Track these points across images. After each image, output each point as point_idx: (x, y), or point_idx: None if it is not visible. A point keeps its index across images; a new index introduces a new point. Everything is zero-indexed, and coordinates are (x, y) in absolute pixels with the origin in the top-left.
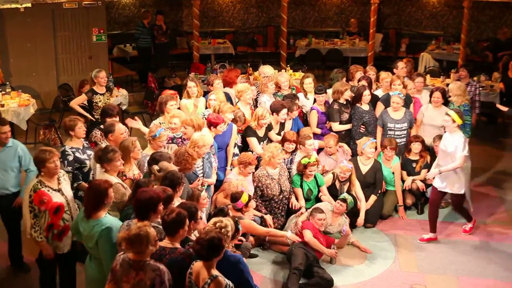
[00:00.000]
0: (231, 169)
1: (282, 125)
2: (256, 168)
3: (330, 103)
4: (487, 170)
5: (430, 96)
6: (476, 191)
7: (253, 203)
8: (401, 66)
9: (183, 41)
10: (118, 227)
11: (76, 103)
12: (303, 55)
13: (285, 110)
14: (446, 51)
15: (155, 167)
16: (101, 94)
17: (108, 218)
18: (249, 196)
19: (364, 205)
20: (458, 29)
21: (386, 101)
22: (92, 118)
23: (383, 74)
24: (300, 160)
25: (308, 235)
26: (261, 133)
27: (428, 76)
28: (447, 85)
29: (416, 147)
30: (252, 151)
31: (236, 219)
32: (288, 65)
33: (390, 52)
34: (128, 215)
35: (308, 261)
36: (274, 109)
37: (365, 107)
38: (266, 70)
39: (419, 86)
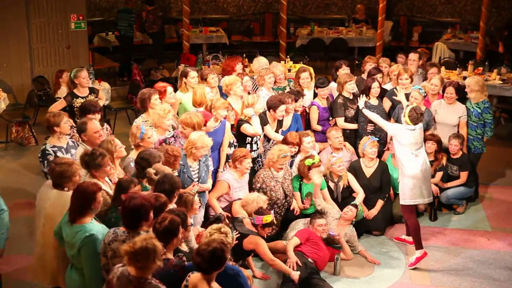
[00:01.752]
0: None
1: (279, 123)
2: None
3: (334, 97)
4: (506, 173)
5: (443, 91)
6: (495, 196)
7: (268, 230)
8: (413, 58)
9: (171, 30)
10: (104, 235)
11: (54, 109)
12: (305, 45)
13: (283, 107)
14: (463, 40)
15: (151, 170)
16: (82, 98)
17: (93, 225)
18: (272, 222)
19: (361, 197)
20: (477, 16)
21: (393, 95)
22: (74, 125)
23: (394, 66)
24: (303, 161)
25: (290, 246)
26: (254, 124)
27: (443, 68)
28: (464, 78)
29: (429, 146)
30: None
31: (231, 227)
32: (288, 56)
33: (401, 41)
34: (111, 219)
35: (306, 272)
36: (271, 106)
37: (373, 101)
38: (262, 61)
39: (435, 90)
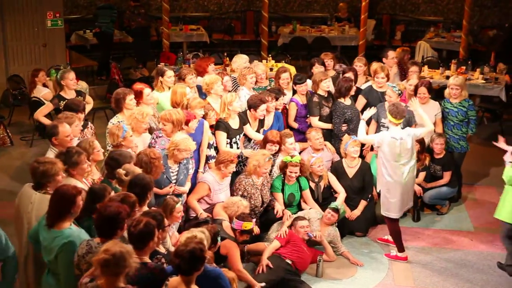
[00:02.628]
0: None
1: (261, 122)
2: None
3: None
4: (489, 173)
5: (415, 92)
6: (478, 197)
7: (246, 237)
8: (392, 56)
9: (151, 28)
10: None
11: (41, 114)
12: (287, 44)
13: (264, 106)
14: (446, 39)
15: (121, 171)
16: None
17: (72, 230)
18: (251, 230)
19: (343, 197)
20: (460, 15)
21: (369, 94)
22: None
23: (374, 65)
24: (281, 161)
25: (268, 250)
26: (234, 124)
27: (426, 68)
28: (447, 77)
29: None
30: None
31: (218, 230)
32: (270, 55)
33: (384, 40)
34: (90, 227)
35: (277, 276)
36: (252, 105)
37: (347, 101)
38: (242, 59)
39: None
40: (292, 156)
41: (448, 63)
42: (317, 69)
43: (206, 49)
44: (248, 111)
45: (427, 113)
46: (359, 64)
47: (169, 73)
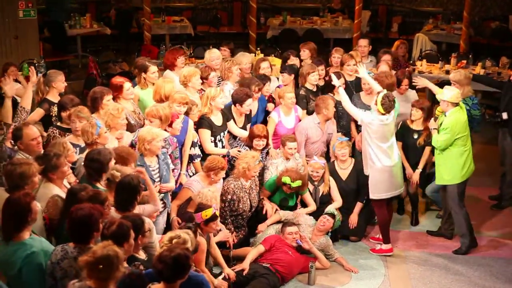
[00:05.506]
0: (190, 174)
1: (247, 118)
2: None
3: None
4: (494, 174)
5: (399, 84)
6: (481, 198)
7: (214, 225)
8: (363, 44)
9: (131, 19)
10: (48, 251)
11: (32, 121)
12: (276, 36)
13: (249, 101)
14: (445, 31)
15: (115, 173)
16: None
17: (34, 240)
18: (214, 215)
19: (337, 205)
20: (460, 6)
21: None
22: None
23: (344, 54)
24: (282, 175)
25: (251, 253)
26: (217, 121)
27: (424, 62)
28: (447, 72)
29: (414, 114)
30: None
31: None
32: (258, 49)
33: (380, 33)
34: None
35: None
36: (237, 100)
37: (337, 96)
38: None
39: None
40: (293, 180)
41: (447, 57)
42: (292, 62)
43: (190, 42)
44: (232, 106)
45: (407, 104)
46: (337, 55)
47: (153, 69)
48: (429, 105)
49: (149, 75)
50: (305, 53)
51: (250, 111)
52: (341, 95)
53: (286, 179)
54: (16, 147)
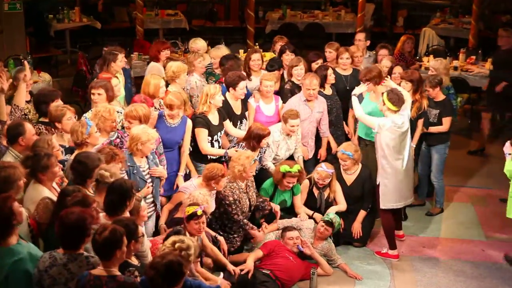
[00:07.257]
0: (185, 176)
1: (244, 104)
2: None
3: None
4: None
5: (390, 72)
6: (489, 201)
7: (194, 224)
8: (360, 38)
9: (123, 12)
10: (36, 257)
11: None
12: (276, 31)
13: (243, 83)
14: (453, 25)
15: (104, 173)
16: (27, 102)
17: (21, 246)
18: (194, 213)
19: (338, 209)
20: None
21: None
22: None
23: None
24: (279, 166)
25: (250, 258)
26: (214, 120)
27: (431, 57)
28: (455, 68)
29: (404, 86)
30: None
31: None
32: (257, 44)
33: (384, 27)
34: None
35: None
36: (230, 83)
37: (327, 91)
38: (199, 44)
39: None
40: (290, 166)
41: (456, 52)
42: (287, 56)
43: (185, 36)
44: (227, 93)
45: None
46: (329, 50)
47: (121, 57)
48: (418, 77)
49: (117, 64)
50: (331, 54)
51: (244, 95)
52: (354, 104)
53: (284, 168)
54: (11, 146)
